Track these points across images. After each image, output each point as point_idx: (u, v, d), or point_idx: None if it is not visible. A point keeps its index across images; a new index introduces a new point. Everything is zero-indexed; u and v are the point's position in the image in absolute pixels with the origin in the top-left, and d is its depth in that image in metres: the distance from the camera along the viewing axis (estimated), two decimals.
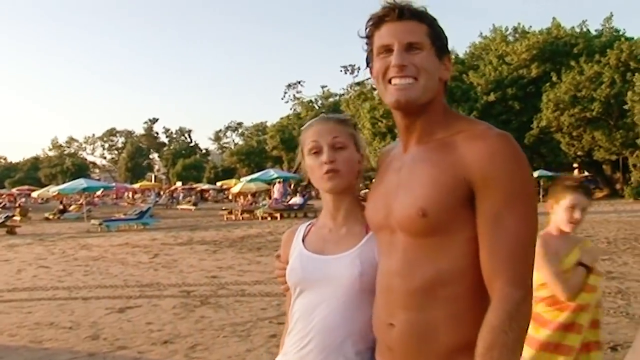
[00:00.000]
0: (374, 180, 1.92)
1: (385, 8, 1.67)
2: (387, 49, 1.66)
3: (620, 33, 46.52)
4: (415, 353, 1.63)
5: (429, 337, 1.60)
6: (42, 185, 71.68)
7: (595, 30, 48.20)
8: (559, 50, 44.93)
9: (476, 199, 1.54)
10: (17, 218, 31.16)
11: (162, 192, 63.44)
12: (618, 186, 43.63)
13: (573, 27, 47.73)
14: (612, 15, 49.46)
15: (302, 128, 2.06)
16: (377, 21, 1.69)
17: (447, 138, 1.63)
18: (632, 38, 43.11)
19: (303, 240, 2.04)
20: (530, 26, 50.27)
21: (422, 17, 1.66)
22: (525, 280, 1.51)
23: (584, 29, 47.96)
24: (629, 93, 36.86)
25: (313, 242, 2.01)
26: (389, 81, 1.66)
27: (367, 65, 1.78)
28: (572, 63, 41.72)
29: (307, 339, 1.89)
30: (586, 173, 51.37)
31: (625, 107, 37.57)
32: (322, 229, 2.03)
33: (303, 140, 2.02)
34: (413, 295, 1.62)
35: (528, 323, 1.52)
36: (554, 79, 41.93)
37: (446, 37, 1.71)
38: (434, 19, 1.69)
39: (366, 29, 1.73)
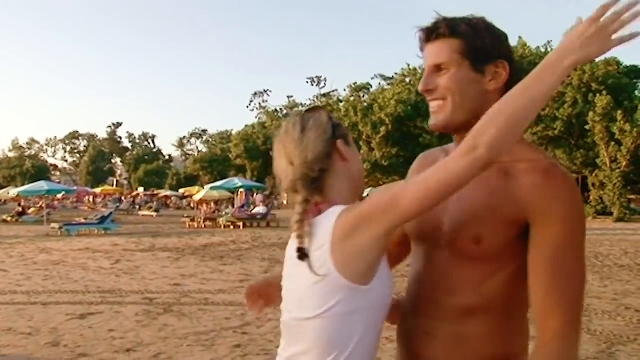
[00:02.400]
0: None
1: (419, 30, 1.67)
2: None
3: None
4: None
5: (464, 347, 1.60)
6: (1, 187, 70.30)
7: None
8: (523, 69, 45.46)
9: (533, 235, 1.52)
10: None
11: (123, 198, 62.67)
12: None
13: (538, 47, 48.68)
14: None
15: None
16: (420, 45, 1.69)
17: (509, 164, 1.56)
18: (594, 61, 44.13)
19: None
20: None
21: (455, 31, 1.61)
22: (580, 322, 1.53)
23: (549, 49, 48.90)
24: (590, 113, 37.80)
25: None
26: None
27: None
28: None
29: None
30: None
31: (587, 127, 38.45)
32: None
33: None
34: (454, 311, 1.62)
35: None
36: None
37: (494, 43, 1.63)
38: (474, 30, 1.61)
39: (420, 46, 1.71)
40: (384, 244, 1.47)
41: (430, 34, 1.63)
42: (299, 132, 1.59)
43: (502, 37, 1.66)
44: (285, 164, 1.60)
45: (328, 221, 1.50)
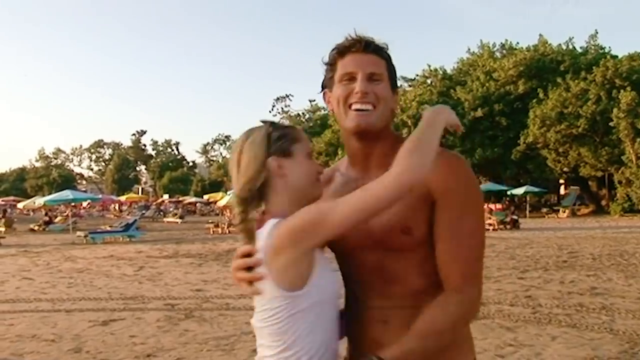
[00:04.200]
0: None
1: (352, 40, 1.82)
2: (351, 77, 1.80)
3: (606, 51, 47.05)
4: None
5: None
6: (28, 196, 71.17)
7: (580, 48, 48.72)
8: (545, 67, 45.39)
9: (437, 207, 1.71)
10: (2, 229, 30.97)
11: (149, 205, 63.16)
12: (604, 202, 43.91)
13: (560, 44, 48.28)
14: (597, 33, 49.99)
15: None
16: (342, 50, 1.83)
17: None
18: (617, 56, 43.64)
19: None
20: (518, 42, 50.81)
21: (383, 52, 1.82)
22: (480, 278, 1.75)
23: (570, 46, 48.47)
24: (615, 110, 37.28)
25: None
26: (349, 106, 1.80)
27: (322, 90, 1.94)
28: (559, 80, 42.16)
29: None
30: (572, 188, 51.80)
31: (611, 124, 37.97)
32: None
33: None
34: (407, 297, 1.77)
35: (472, 320, 1.78)
36: (541, 95, 42.31)
37: (395, 71, 1.87)
38: (390, 57, 1.85)
39: (330, 56, 1.87)
40: (314, 254, 1.63)
41: (368, 46, 1.81)
42: (237, 156, 1.73)
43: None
44: (233, 184, 1.75)
45: (263, 235, 1.64)
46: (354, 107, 1.78)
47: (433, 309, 1.67)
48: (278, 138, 1.74)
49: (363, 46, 1.80)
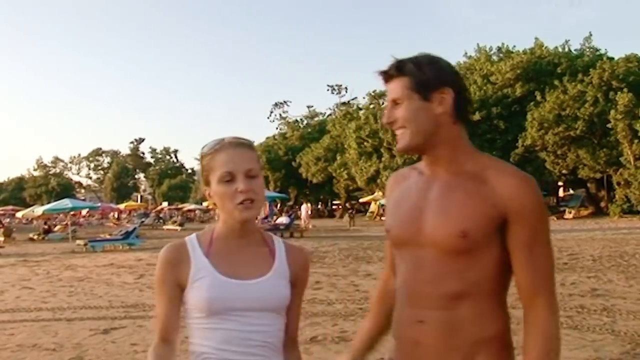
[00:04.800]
0: (386, 198, 2.19)
1: (378, 73, 1.99)
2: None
3: (602, 53, 47.15)
4: (443, 345, 1.86)
5: (456, 331, 1.86)
6: (27, 206, 71.17)
7: (575, 50, 48.81)
8: (542, 69, 45.43)
9: (510, 227, 1.83)
10: (1, 238, 30.90)
11: (148, 212, 63.11)
12: (603, 204, 43.91)
13: (556, 47, 48.33)
14: (591, 35, 50.02)
15: (204, 151, 1.97)
16: (382, 81, 2.00)
17: (479, 172, 1.88)
18: (613, 58, 43.71)
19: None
20: (514, 46, 50.84)
21: (403, 70, 1.92)
22: (555, 294, 1.89)
23: (567, 49, 48.55)
24: (612, 112, 37.32)
25: (223, 266, 1.92)
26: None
27: None
28: (556, 82, 42.17)
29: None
30: (571, 191, 51.82)
31: (609, 125, 38.01)
32: (226, 251, 1.96)
33: (209, 167, 1.94)
34: (443, 299, 1.87)
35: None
36: (538, 98, 42.35)
37: (437, 75, 1.91)
38: (418, 66, 1.91)
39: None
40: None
41: (386, 75, 1.97)
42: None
43: (445, 67, 1.95)
44: None
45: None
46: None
47: (535, 333, 1.83)
48: (202, 169, 1.96)
49: (383, 79, 2.00)
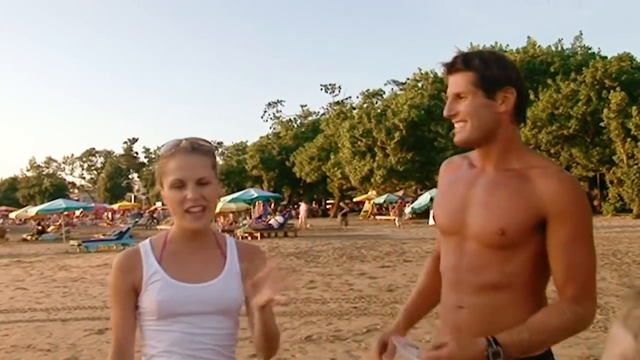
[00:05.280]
0: (437, 185, 2.27)
1: (442, 65, 2.03)
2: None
3: (595, 52, 47.34)
4: (479, 331, 1.89)
5: (493, 317, 1.93)
6: (20, 206, 70.89)
7: (566, 49, 48.98)
8: (535, 68, 45.56)
9: (550, 227, 1.88)
10: None
11: (142, 212, 62.98)
12: (596, 202, 44.08)
13: (549, 46, 48.48)
14: (581, 34, 50.35)
15: (160, 152, 1.98)
16: (445, 72, 2.05)
17: (523, 170, 1.95)
18: (606, 57, 43.87)
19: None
20: (507, 45, 50.93)
21: (469, 65, 1.96)
22: (594, 295, 1.94)
23: (559, 48, 48.69)
24: (605, 110, 37.50)
25: (175, 269, 1.94)
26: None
27: None
28: (549, 81, 42.32)
29: None
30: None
31: (602, 124, 38.19)
32: (179, 255, 1.97)
33: (163, 170, 1.95)
34: (482, 287, 1.97)
35: (580, 332, 1.97)
36: (532, 97, 42.46)
37: (502, 73, 1.96)
38: (485, 62, 1.95)
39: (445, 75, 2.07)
40: None
41: (450, 68, 2.00)
42: None
43: (510, 66, 1.99)
44: None
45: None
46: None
47: (550, 310, 1.92)
48: (157, 170, 2.00)
49: (447, 69, 2.04)
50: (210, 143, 2.03)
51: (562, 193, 1.87)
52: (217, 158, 2.02)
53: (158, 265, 1.93)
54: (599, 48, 48.68)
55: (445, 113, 2.02)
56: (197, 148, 1.94)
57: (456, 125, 2.00)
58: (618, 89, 37.91)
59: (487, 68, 1.94)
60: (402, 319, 2.30)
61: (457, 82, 1.97)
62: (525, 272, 1.93)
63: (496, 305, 1.94)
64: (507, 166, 1.98)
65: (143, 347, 1.95)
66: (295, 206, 51.40)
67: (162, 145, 1.99)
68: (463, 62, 1.96)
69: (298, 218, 40.11)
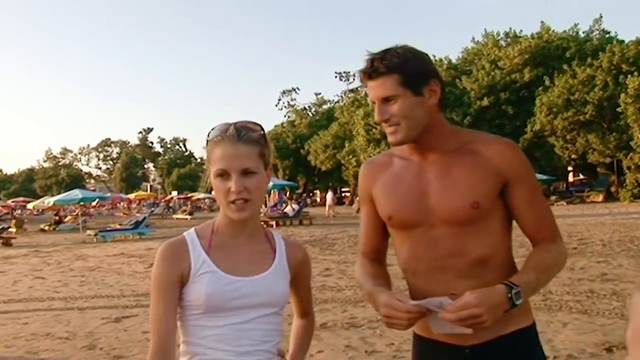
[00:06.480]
0: (364, 188, 2.23)
1: (360, 71, 2.00)
2: (374, 102, 2.02)
3: (612, 36, 46.74)
4: None
5: None
6: (38, 197, 71.45)
7: (583, 32, 48.41)
8: (550, 54, 45.16)
9: (512, 189, 1.99)
10: (13, 230, 31.11)
11: (158, 202, 63.28)
12: (613, 189, 43.74)
13: (565, 31, 47.97)
14: (601, 17, 49.54)
15: (208, 138, 1.88)
16: (361, 78, 2.02)
17: (467, 146, 2.02)
18: (624, 41, 43.29)
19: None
20: (522, 30, 50.52)
21: (391, 67, 1.93)
22: (560, 236, 2.09)
23: (575, 32, 48.15)
24: (622, 95, 37.04)
25: (224, 261, 1.87)
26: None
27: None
28: (565, 67, 41.91)
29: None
30: (581, 176, 51.55)
31: (619, 109, 37.77)
32: (227, 246, 1.91)
33: (209, 157, 1.89)
34: (470, 268, 1.98)
35: (562, 267, 2.09)
36: (547, 82, 42.13)
37: (423, 68, 1.98)
38: (406, 62, 1.94)
39: (360, 80, 2.04)
40: None
41: (372, 73, 1.96)
42: None
43: (426, 59, 2.01)
44: None
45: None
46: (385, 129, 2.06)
47: (538, 252, 2.01)
48: (206, 154, 1.92)
49: (368, 75, 2.00)
50: (259, 128, 1.90)
51: (514, 157, 2.00)
52: (270, 144, 1.93)
53: (206, 256, 1.86)
54: (616, 32, 48.10)
55: (377, 118, 2.01)
56: (244, 136, 1.84)
57: (388, 129, 2.00)
58: (636, 73, 37.37)
59: (410, 67, 1.94)
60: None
61: (382, 86, 1.95)
62: (503, 238, 2.04)
63: (488, 278, 1.94)
64: (449, 147, 2.03)
65: (181, 344, 1.86)
66: (311, 194, 51.50)
67: (212, 129, 1.89)
68: (385, 65, 1.93)
69: (313, 206, 40.47)
